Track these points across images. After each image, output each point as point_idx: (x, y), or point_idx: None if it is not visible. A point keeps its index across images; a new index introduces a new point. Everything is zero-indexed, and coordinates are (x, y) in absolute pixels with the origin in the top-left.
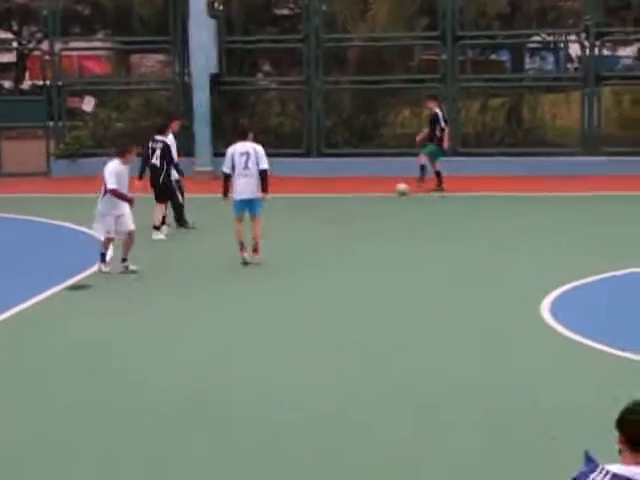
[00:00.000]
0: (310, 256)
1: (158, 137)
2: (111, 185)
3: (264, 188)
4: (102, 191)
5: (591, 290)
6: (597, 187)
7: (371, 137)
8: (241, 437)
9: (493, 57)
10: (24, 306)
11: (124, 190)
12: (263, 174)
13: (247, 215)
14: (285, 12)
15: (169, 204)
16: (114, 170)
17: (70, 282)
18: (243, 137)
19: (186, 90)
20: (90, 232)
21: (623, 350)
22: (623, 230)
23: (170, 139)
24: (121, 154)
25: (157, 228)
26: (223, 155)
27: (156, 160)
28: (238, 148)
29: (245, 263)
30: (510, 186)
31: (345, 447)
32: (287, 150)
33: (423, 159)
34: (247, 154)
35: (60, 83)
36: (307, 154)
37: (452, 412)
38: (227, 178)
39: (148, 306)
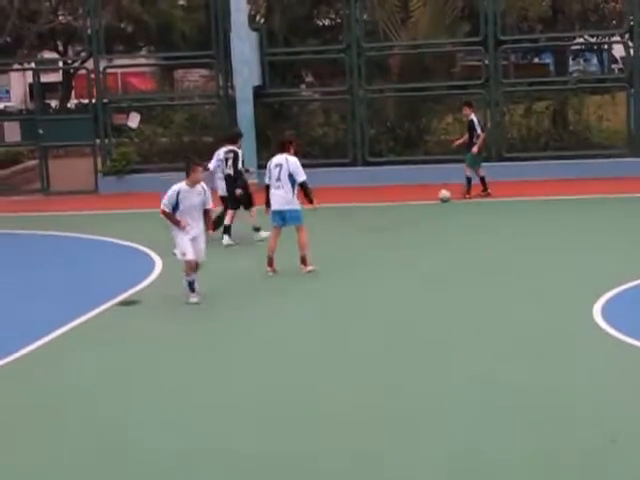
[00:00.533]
0: (357, 265)
1: (230, 146)
2: (161, 205)
3: (309, 199)
4: None
5: None
6: None
7: (415, 144)
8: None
9: (536, 60)
10: (77, 322)
11: (193, 213)
12: (303, 186)
13: (292, 227)
14: (326, 23)
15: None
16: (175, 191)
17: (121, 298)
18: (281, 149)
19: (230, 103)
20: (137, 246)
21: None
22: None
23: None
24: (186, 175)
25: (257, 230)
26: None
27: (229, 169)
28: (274, 160)
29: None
30: (557, 189)
31: (413, 451)
32: (332, 160)
33: (468, 170)
34: (280, 166)
35: (105, 100)
36: (352, 163)
37: (509, 417)
38: (268, 189)
39: (200, 322)
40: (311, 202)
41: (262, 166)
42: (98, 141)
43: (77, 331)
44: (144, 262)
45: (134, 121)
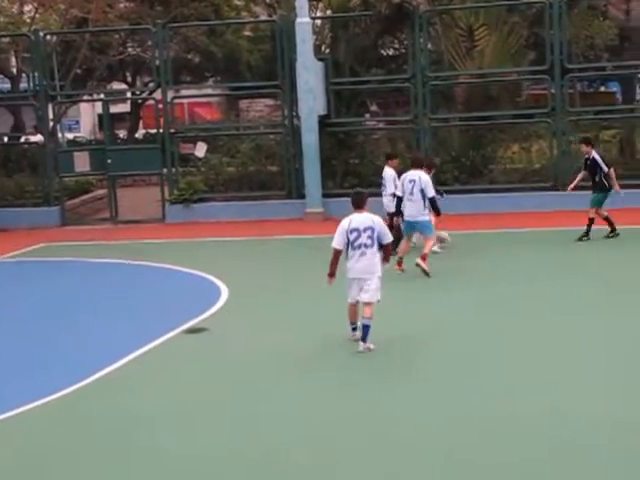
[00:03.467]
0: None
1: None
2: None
3: (436, 212)
4: None
5: None
6: None
7: (480, 173)
8: None
9: (602, 89)
10: (144, 349)
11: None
12: (432, 201)
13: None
14: (390, 52)
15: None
16: (341, 227)
17: (188, 325)
18: (416, 166)
19: (295, 132)
20: (204, 274)
21: None
22: None
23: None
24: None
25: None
26: (333, 196)
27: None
28: (409, 175)
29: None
30: (625, 219)
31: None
32: None
33: (592, 212)
34: (414, 182)
35: (172, 130)
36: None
37: (591, 447)
38: (400, 200)
39: (270, 348)
40: (438, 214)
41: (328, 195)
42: (165, 170)
43: (144, 358)
44: (211, 290)
45: (201, 150)
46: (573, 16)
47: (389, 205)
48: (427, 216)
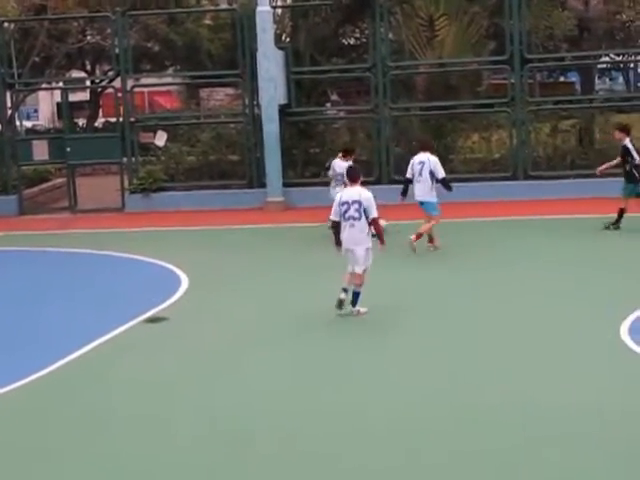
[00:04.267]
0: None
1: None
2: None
3: (447, 188)
4: None
5: None
6: None
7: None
8: None
9: (562, 79)
10: (103, 339)
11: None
12: (443, 181)
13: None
14: (351, 42)
15: None
16: (335, 201)
17: (148, 315)
18: (424, 149)
19: (256, 122)
20: (163, 264)
21: None
22: None
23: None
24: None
25: None
26: (294, 185)
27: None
28: (418, 157)
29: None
30: (582, 209)
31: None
32: None
33: (623, 202)
34: (422, 163)
35: (132, 119)
36: (377, 182)
37: (538, 432)
38: (407, 182)
39: (227, 336)
40: (450, 190)
41: (289, 185)
42: (125, 159)
43: (104, 347)
44: (171, 279)
45: (161, 139)
46: (532, 6)
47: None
48: (435, 197)
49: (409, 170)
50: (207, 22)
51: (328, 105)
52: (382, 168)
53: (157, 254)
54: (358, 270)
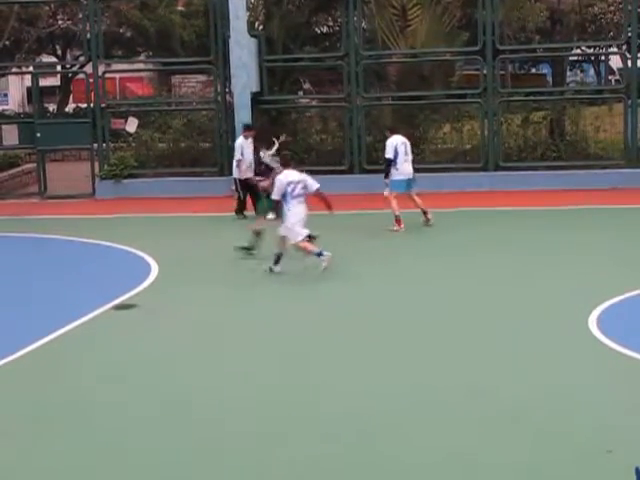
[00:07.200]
0: (345, 268)
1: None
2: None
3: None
4: None
5: (637, 303)
6: None
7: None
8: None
9: (533, 71)
10: (71, 326)
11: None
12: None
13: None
14: (324, 30)
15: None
16: (279, 182)
17: (117, 302)
18: (395, 132)
19: (228, 109)
20: (134, 250)
21: None
22: None
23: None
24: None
25: None
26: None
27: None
28: (398, 139)
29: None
30: (552, 200)
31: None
32: (329, 167)
33: None
34: (405, 143)
35: (103, 105)
36: (349, 171)
37: (502, 427)
38: (389, 163)
39: (197, 323)
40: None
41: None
42: (96, 145)
43: (73, 334)
44: (141, 266)
45: (132, 126)
46: None
47: (235, 171)
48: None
49: (391, 151)
50: (179, 8)
51: (300, 93)
52: (354, 157)
53: (127, 241)
54: (300, 239)
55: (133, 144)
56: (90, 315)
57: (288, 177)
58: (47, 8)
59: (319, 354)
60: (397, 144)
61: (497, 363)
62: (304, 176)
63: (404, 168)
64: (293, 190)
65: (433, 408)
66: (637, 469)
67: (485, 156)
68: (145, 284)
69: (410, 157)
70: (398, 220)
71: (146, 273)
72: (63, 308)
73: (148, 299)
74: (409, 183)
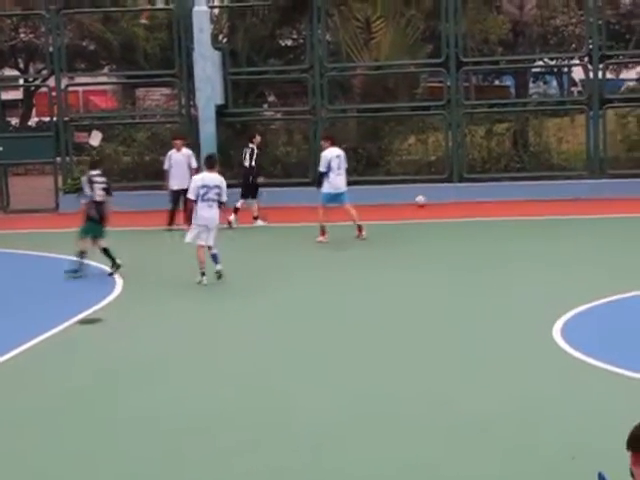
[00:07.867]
0: (301, 275)
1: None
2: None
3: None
4: None
5: (601, 312)
6: (603, 210)
7: (377, 164)
8: None
9: (497, 83)
10: (36, 340)
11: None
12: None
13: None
14: (289, 43)
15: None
16: (194, 183)
17: (82, 316)
18: (333, 143)
19: (192, 122)
20: (98, 264)
21: (636, 372)
22: (630, 252)
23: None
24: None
25: (256, 218)
26: (230, 186)
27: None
28: (333, 151)
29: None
30: (516, 210)
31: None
32: (294, 179)
33: None
34: (340, 156)
35: (67, 118)
36: (314, 183)
37: (468, 439)
38: (323, 176)
39: (160, 339)
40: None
41: (227, 186)
42: (59, 159)
43: (37, 349)
44: (105, 281)
45: (96, 139)
46: (468, 10)
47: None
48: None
49: (325, 164)
50: (143, 21)
51: (265, 106)
52: (318, 169)
53: (91, 255)
54: (211, 243)
55: (97, 158)
56: (55, 330)
57: (205, 180)
58: (9, 21)
59: (281, 366)
60: (331, 157)
61: (461, 374)
62: (222, 183)
63: (336, 182)
64: (205, 194)
65: (392, 419)
66: (599, 474)
67: (450, 167)
68: (110, 298)
69: (343, 170)
70: (323, 231)
71: (111, 287)
72: (27, 323)
73: (113, 313)
74: (339, 196)
